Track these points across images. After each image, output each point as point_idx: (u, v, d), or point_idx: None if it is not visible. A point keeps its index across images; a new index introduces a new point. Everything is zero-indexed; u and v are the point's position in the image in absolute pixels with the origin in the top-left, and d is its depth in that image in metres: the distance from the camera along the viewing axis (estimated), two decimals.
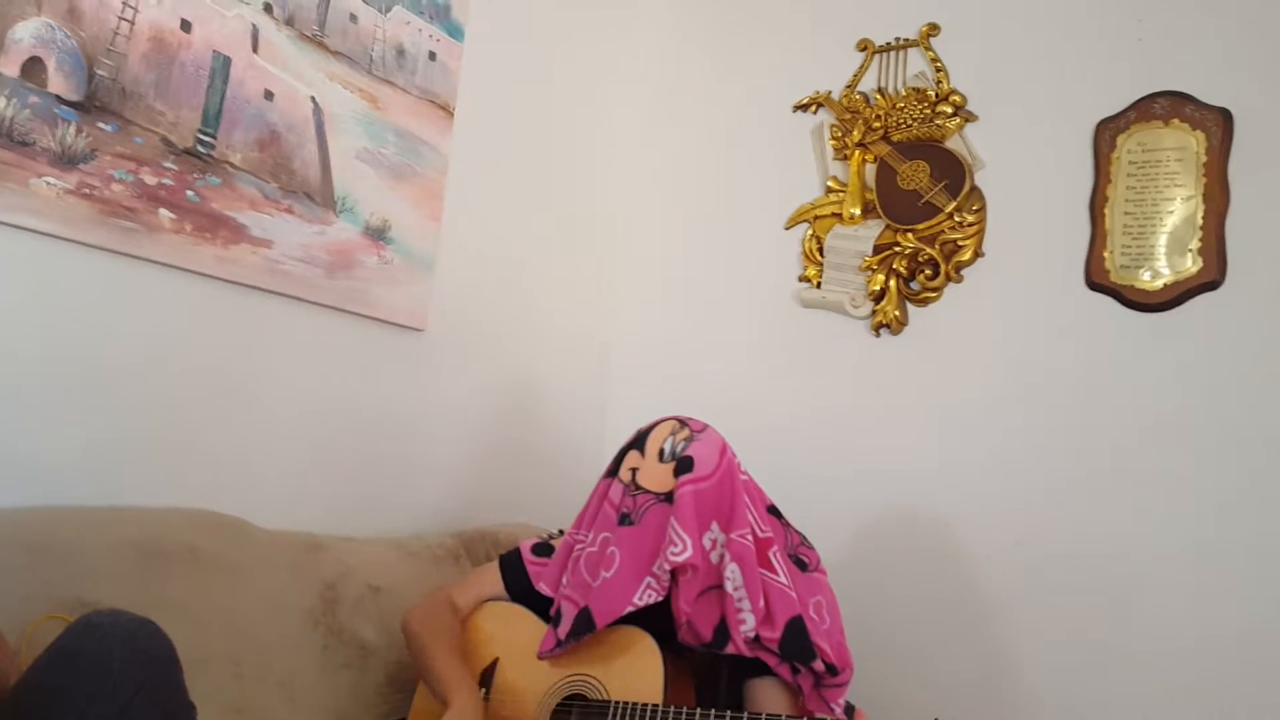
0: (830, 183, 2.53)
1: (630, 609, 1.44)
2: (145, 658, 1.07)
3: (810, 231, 2.53)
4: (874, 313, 2.40)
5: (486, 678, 1.60)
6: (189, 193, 1.70)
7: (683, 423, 1.55)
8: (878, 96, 2.49)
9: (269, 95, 1.83)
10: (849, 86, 2.54)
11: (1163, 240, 2.12)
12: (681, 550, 1.41)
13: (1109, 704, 2.04)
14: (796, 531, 1.61)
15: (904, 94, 2.45)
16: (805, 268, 2.53)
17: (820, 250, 2.50)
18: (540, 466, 2.50)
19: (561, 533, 1.67)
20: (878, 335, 2.41)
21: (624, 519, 1.49)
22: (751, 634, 1.44)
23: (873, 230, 2.44)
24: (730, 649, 1.45)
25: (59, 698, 1.02)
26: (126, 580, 1.43)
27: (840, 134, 2.52)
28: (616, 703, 1.45)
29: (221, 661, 1.49)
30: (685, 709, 1.40)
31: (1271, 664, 1.91)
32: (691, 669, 1.52)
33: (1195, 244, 2.09)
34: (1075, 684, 2.07)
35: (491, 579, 1.70)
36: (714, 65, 2.77)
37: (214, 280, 1.75)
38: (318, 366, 1.96)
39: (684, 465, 1.47)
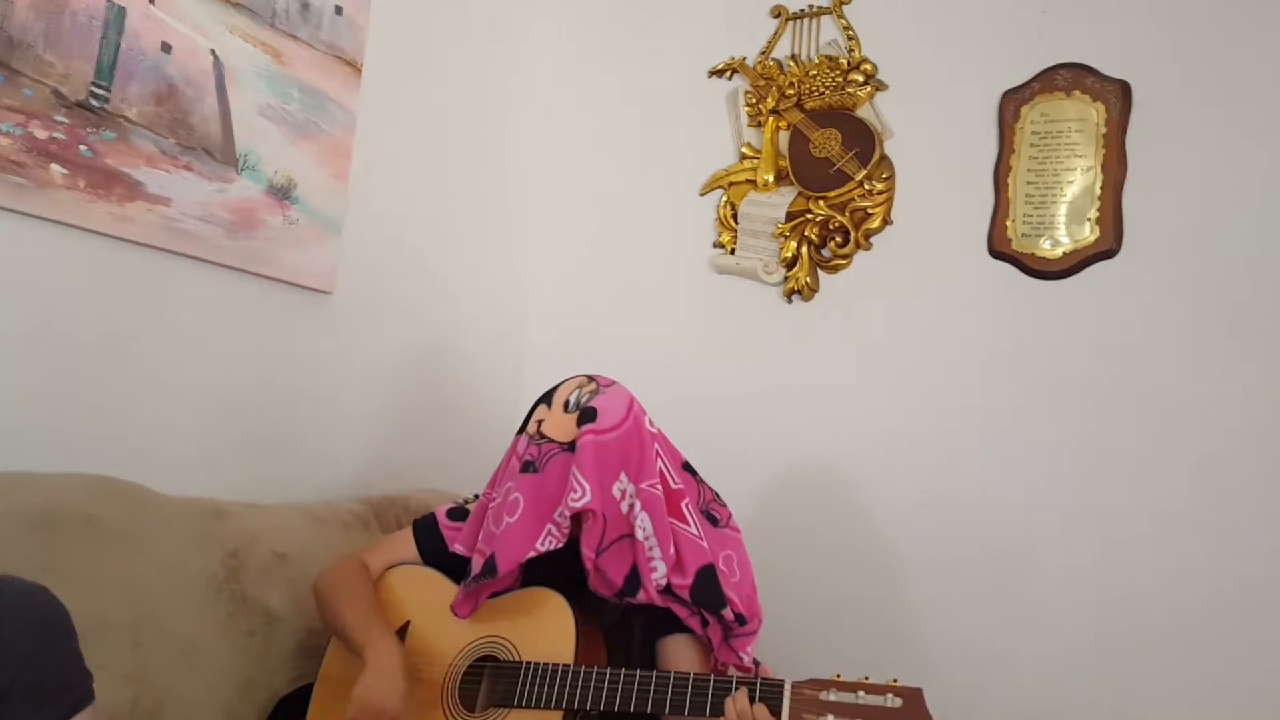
0: (745, 149, 2.54)
1: (532, 553, 1.45)
2: (38, 626, 1.04)
3: (725, 198, 2.54)
4: (786, 279, 2.43)
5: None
6: (82, 147, 1.63)
7: (590, 378, 1.57)
8: (791, 64, 2.50)
9: (166, 47, 1.76)
10: (763, 53, 2.55)
11: (1063, 210, 2.18)
12: (580, 496, 1.42)
13: (1010, 659, 2.11)
14: (710, 488, 1.63)
15: (817, 61, 2.47)
16: (720, 234, 2.54)
17: (734, 216, 2.52)
18: (453, 432, 2.48)
19: (476, 497, 1.66)
20: (789, 301, 2.44)
21: (527, 466, 1.50)
22: (663, 582, 1.46)
23: (786, 197, 2.46)
24: (642, 597, 1.47)
25: None
26: (19, 548, 1.38)
27: (754, 100, 2.53)
28: (528, 664, 1.45)
29: (119, 630, 1.45)
30: (595, 668, 1.41)
31: (1169, 620, 2.00)
32: (604, 629, 1.53)
33: (1093, 214, 2.15)
34: (979, 640, 2.14)
35: (405, 543, 1.69)
36: (630, 28, 2.75)
37: (109, 239, 1.69)
38: (220, 329, 1.91)
39: (587, 415, 1.48)
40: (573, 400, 1.51)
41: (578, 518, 1.46)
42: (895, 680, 1.26)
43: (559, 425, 1.50)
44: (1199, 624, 1.97)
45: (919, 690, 1.24)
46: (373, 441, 2.26)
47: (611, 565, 1.47)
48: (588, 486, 1.42)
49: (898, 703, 1.23)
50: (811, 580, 2.31)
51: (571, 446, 1.47)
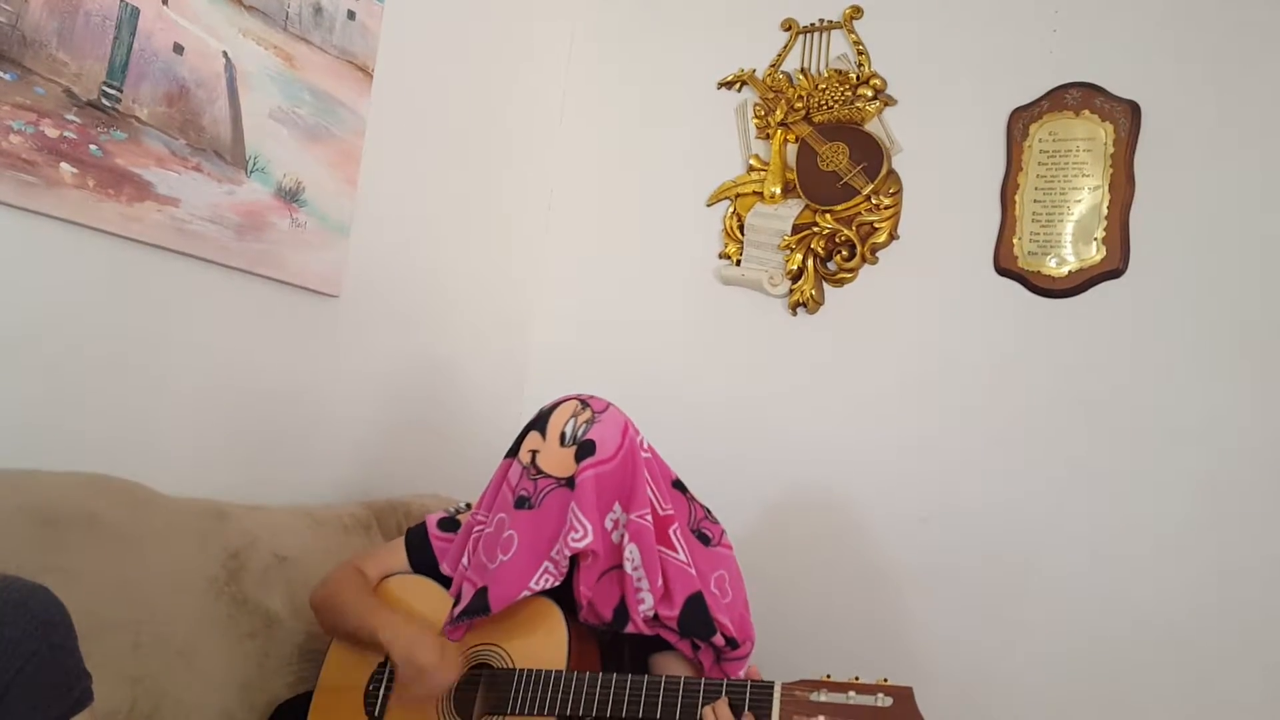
0: (752, 161, 2.55)
1: (527, 593, 1.44)
2: (37, 625, 1.04)
3: (732, 209, 2.55)
4: (791, 291, 2.43)
5: None
6: (92, 147, 1.64)
7: (584, 403, 1.53)
8: (800, 77, 2.51)
9: (179, 49, 1.77)
10: (773, 65, 2.55)
11: (1069, 228, 2.18)
12: (582, 536, 1.41)
13: (1008, 672, 2.10)
14: (701, 506, 1.61)
15: (826, 75, 2.47)
16: (726, 245, 2.54)
17: (741, 228, 2.52)
18: (455, 437, 2.48)
19: (469, 506, 1.66)
20: (794, 314, 2.44)
21: (522, 502, 1.48)
22: (650, 613, 1.45)
23: (792, 210, 2.46)
24: (630, 628, 1.46)
25: None
26: (21, 546, 1.39)
27: (763, 113, 2.53)
28: (520, 671, 1.45)
29: (119, 630, 1.45)
30: (587, 674, 1.41)
31: (1165, 634, 1.99)
32: (597, 638, 1.53)
33: (1100, 233, 2.15)
34: (977, 653, 2.14)
35: (398, 555, 1.69)
36: (641, 39, 2.76)
37: (117, 239, 1.69)
38: (226, 330, 1.91)
39: (586, 449, 1.46)
40: (569, 432, 1.49)
41: (574, 555, 1.44)
42: (885, 680, 1.26)
43: (556, 460, 1.48)
44: (1194, 639, 1.97)
45: (909, 689, 1.24)
46: (375, 445, 2.27)
47: (601, 598, 1.46)
48: (589, 526, 1.41)
49: (888, 702, 1.24)
50: (812, 592, 2.31)
51: (570, 483, 1.45)
